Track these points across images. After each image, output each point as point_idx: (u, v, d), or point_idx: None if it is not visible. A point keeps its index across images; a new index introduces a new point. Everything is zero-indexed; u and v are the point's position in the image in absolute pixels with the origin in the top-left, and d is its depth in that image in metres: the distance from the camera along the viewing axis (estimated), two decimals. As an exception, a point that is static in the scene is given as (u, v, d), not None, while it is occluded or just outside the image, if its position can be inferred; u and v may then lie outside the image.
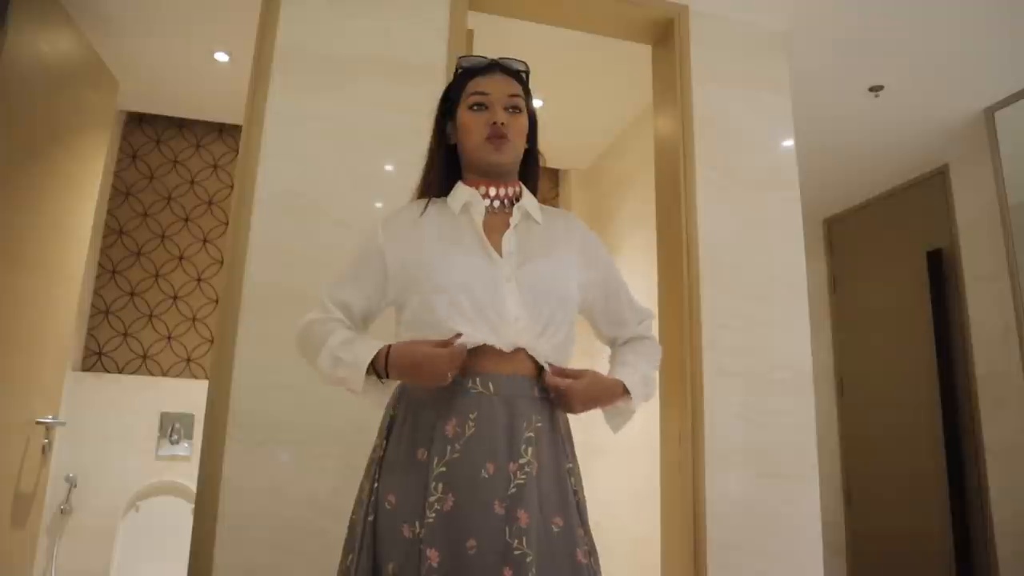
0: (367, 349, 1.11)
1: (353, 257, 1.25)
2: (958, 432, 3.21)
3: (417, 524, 1.02)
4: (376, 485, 1.10)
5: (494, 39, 2.43)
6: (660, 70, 2.46)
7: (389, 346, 1.11)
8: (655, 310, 2.32)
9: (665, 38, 2.41)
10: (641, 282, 2.83)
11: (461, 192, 1.23)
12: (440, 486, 1.03)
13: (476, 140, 1.20)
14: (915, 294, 3.48)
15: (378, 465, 1.12)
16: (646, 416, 2.72)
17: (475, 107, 1.22)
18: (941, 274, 3.37)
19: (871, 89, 2.90)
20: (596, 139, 3.60)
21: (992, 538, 2.96)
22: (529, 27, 2.40)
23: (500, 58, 1.27)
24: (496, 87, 1.22)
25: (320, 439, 1.77)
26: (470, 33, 2.19)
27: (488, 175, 1.23)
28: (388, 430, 1.14)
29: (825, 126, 3.19)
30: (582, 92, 3.07)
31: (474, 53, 2.21)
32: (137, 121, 3.48)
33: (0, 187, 2.00)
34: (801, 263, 2.31)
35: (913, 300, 3.49)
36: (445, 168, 1.27)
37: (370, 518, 1.07)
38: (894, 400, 3.65)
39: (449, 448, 1.05)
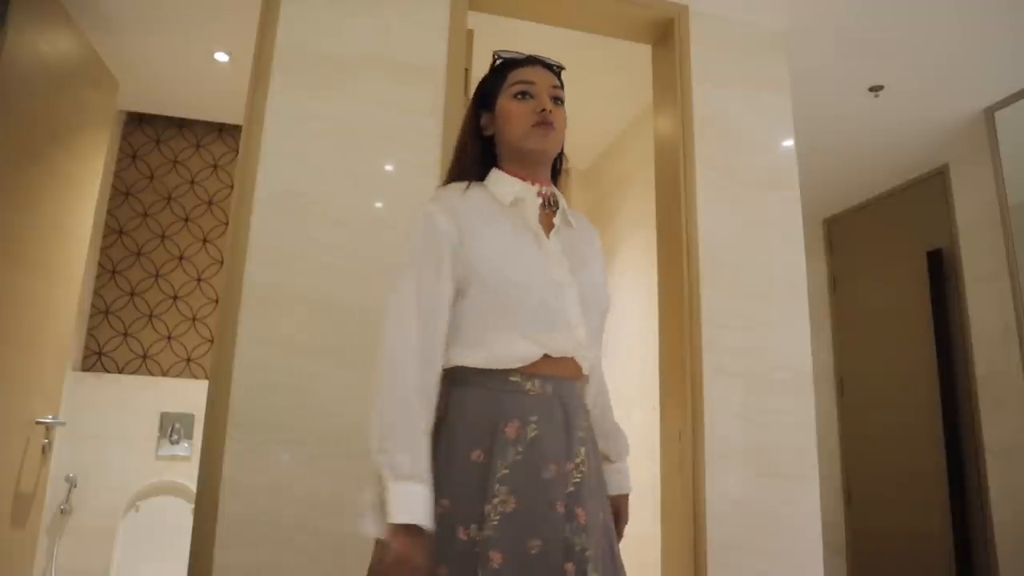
0: (399, 504, 0.97)
1: (420, 252, 1.11)
2: (958, 432, 3.21)
3: (474, 527, 1.00)
4: None
5: (494, 39, 2.41)
6: (660, 70, 2.46)
7: (405, 529, 0.96)
8: (655, 310, 2.33)
9: (665, 38, 2.41)
10: (641, 282, 2.83)
11: (510, 183, 1.18)
12: (502, 488, 1.02)
13: (522, 127, 1.17)
14: (915, 294, 3.48)
15: None
16: (646, 415, 2.73)
17: (520, 95, 1.19)
18: (941, 274, 3.37)
19: (871, 89, 2.90)
20: (596, 139, 3.60)
21: (992, 538, 2.96)
22: (529, 27, 2.40)
23: (535, 55, 1.26)
24: (540, 77, 1.21)
25: (320, 439, 1.77)
26: (470, 33, 2.19)
27: (527, 166, 1.20)
28: (444, 427, 1.09)
29: (825, 126, 3.19)
30: (582, 92, 3.06)
31: (474, 53, 2.22)
32: (137, 121, 3.48)
33: (0, 187, 2.00)
34: (801, 263, 2.31)
35: (913, 300, 3.49)
36: (482, 156, 1.23)
37: None
38: (894, 400, 3.65)
39: (511, 450, 1.04)
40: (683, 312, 2.13)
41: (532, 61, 1.24)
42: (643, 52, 2.53)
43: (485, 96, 1.25)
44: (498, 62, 1.26)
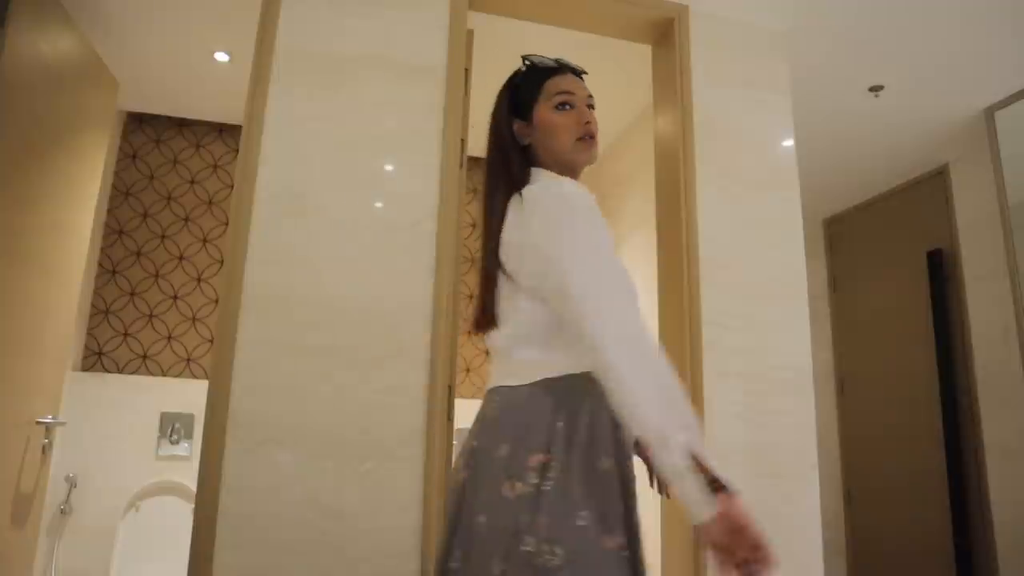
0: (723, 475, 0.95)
1: (601, 231, 1.11)
2: (958, 432, 3.21)
3: (618, 535, 0.98)
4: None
5: (494, 39, 2.43)
6: (660, 70, 2.46)
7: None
8: (655, 310, 2.33)
9: (665, 38, 2.41)
10: (641, 282, 2.83)
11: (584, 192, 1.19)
12: (629, 493, 1.03)
13: (568, 140, 1.18)
14: (915, 294, 3.48)
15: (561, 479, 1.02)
16: (646, 416, 2.72)
17: (561, 106, 1.19)
18: (941, 274, 3.37)
19: (871, 89, 2.90)
20: (596, 139, 3.60)
21: (992, 538, 2.96)
22: (529, 27, 2.40)
23: (560, 59, 1.25)
24: (577, 87, 1.21)
25: (320, 439, 1.77)
26: (470, 33, 2.19)
27: (570, 175, 1.21)
28: (567, 439, 1.02)
29: (825, 126, 3.19)
30: (582, 92, 3.07)
31: (474, 53, 2.22)
32: (137, 121, 3.48)
33: (0, 187, 2.00)
34: (801, 263, 2.31)
35: (913, 300, 3.49)
36: (527, 164, 1.21)
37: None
38: (894, 400, 3.65)
39: (626, 455, 1.06)
40: (683, 312, 2.13)
41: (564, 69, 1.23)
42: (643, 52, 2.53)
43: (519, 105, 1.22)
44: (528, 66, 1.25)
